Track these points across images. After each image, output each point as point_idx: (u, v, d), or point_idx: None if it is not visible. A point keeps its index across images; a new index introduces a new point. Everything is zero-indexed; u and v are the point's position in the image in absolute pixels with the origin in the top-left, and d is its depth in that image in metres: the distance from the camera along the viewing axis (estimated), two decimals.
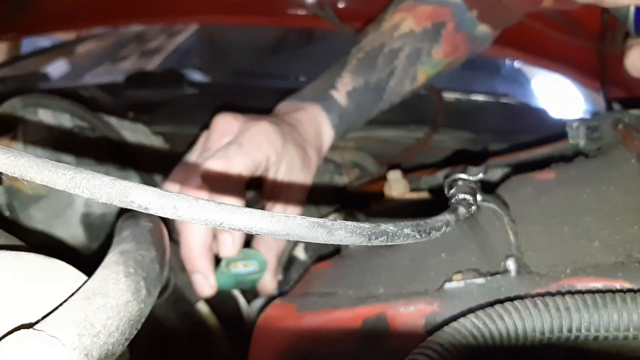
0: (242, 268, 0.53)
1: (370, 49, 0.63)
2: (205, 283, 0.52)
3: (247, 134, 0.52)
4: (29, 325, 0.25)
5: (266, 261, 0.54)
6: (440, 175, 0.55)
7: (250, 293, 0.61)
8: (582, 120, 0.48)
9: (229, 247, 0.52)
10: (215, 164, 0.49)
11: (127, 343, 0.27)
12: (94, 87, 0.83)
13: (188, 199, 0.24)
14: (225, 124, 0.54)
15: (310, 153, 0.57)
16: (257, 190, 0.59)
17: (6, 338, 0.24)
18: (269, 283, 0.56)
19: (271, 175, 0.54)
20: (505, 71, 1.34)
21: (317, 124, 0.59)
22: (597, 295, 0.31)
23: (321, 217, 0.27)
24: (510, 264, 0.37)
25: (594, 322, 0.30)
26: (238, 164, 0.49)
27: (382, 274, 0.43)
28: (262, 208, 0.25)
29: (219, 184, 0.49)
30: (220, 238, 0.52)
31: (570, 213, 0.39)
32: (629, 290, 0.32)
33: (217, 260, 0.53)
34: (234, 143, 0.51)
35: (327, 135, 0.60)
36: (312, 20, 0.94)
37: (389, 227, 0.29)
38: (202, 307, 0.60)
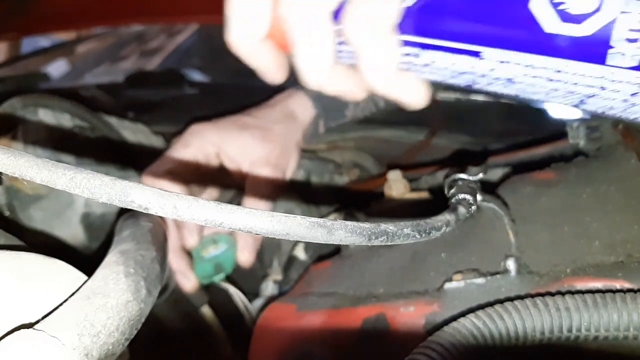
0: (214, 251, 0.58)
1: None
2: (185, 279, 0.56)
3: (189, 131, 0.59)
4: (29, 325, 0.25)
5: (233, 238, 0.58)
6: (440, 175, 0.55)
7: (250, 293, 0.61)
8: (582, 120, 0.48)
9: (190, 236, 0.57)
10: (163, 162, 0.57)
11: (127, 343, 0.27)
12: (94, 87, 0.83)
13: (188, 199, 0.24)
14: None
15: (275, 131, 0.59)
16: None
17: (6, 338, 0.24)
18: (245, 257, 0.58)
19: (227, 163, 0.59)
20: None
21: (288, 106, 0.61)
22: (597, 295, 0.31)
23: (321, 217, 0.27)
24: (510, 264, 0.37)
25: (594, 322, 0.30)
26: (183, 153, 0.56)
27: (382, 274, 0.43)
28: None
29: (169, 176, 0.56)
30: (182, 233, 0.57)
31: (570, 213, 0.39)
32: (629, 290, 0.32)
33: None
34: (179, 140, 0.59)
35: (304, 113, 0.61)
36: None
37: (389, 227, 0.29)
38: (203, 308, 0.60)
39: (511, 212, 0.41)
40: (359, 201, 0.61)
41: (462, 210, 0.36)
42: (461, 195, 0.38)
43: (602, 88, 0.28)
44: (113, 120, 0.65)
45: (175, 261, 0.56)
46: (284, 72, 0.39)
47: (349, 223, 0.27)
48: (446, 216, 0.34)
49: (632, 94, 0.28)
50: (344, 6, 0.32)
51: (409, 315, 0.37)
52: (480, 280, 0.37)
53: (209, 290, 0.60)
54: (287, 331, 0.43)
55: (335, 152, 0.74)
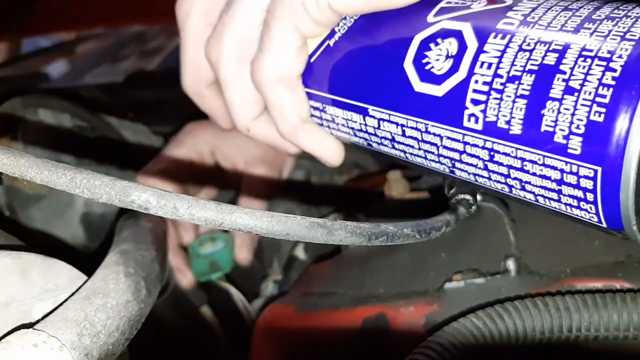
0: (210, 248, 0.58)
1: None
2: (181, 275, 0.57)
3: (184, 130, 0.61)
4: (29, 325, 0.25)
5: (231, 236, 0.58)
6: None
7: (250, 293, 0.61)
8: None
9: (186, 233, 0.58)
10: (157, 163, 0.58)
11: (127, 343, 0.27)
12: (94, 87, 0.83)
13: (188, 199, 0.24)
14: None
15: None
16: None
17: (6, 338, 0.24)
18: (242, 255, 0.58)
19: (222, 162, 0.60)
20: None
21: None
22: (597, 295, 0.31)
23: (321, 217, 0.27)
24: (510, 264, 0.37)
25: (594, 322, 0.30)
26: (177, 153, 0.58)
27: (382, 274, 0.43)
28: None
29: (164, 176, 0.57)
30: (178, 230, 0.58)
31: None
32: (629, 290, 0.32)
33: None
34: (174, 139, 0.60)
35: None
36: None
37: (389, 227, 0.29)
38: (203, 308, 0.60)
39: (511, 212, 0.41)
40: (359, 201, 0.61)
41: (462, 210, 0.36)
42: (461, 195, 0.38)
43: (462, 152, 0.28)
44: (113, 120, 0.65)
45: (172, 258, 0.57)
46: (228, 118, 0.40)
47: (349, 223, 0.27)
48: (446, 216, 0.34)
49: (489, 160, 0.27)
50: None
51: (409, 315, 0.37)
52: (480, 280, 0.37)
53: (209, 290, 0.60)
54: (287, 331, 0.43)
55: None
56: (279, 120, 0.35)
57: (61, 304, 0.27)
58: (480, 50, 0.26)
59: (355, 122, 0.32)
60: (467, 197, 0.37)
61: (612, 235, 0.27)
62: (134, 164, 0.63)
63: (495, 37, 0.26)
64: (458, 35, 0.27)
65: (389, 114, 0.30)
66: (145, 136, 0.69)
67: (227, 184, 0.62)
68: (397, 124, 0.30)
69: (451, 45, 0.27)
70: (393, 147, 0.31)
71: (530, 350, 0.32)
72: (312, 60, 0.33)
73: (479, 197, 0.39)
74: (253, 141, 0.59)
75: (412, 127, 0.29)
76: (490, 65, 0.26)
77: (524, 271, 0.37)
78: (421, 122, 0.29)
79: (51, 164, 0.24)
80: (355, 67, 0.31)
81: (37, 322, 0.25)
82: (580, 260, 0.36)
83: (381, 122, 0.30)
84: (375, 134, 0.32)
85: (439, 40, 0.28)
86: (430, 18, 0.29)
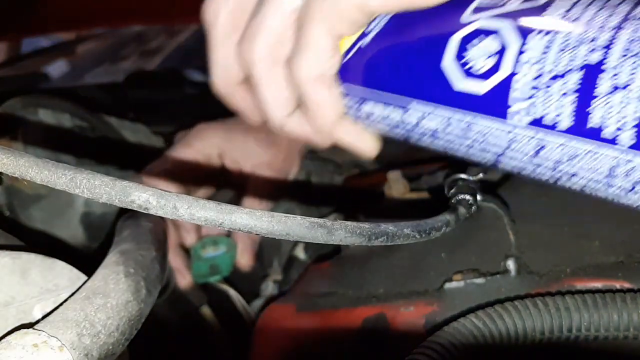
0: (212, 252, 0.59)
1: None
2: (180, 276, 0.58)
3: (193, 131, 0.61)
4: (29, 325, 0.25)
5: (234, 241, 0.59)
6: (440, 175, 0.55)
7: (250, 293, 0.61)
8: None
9: (188, 235, 0.59)
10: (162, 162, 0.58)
11: (127, 343, 0.27)
12: (94, 87, 0.83)
13: (188, 199, 0.24)
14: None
15: (280, 136, 0.58)
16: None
17: (6, 338, 0.24)
18: (244, 260, 0.59)
19: (229, 165, 0.60)
20: None
21: None
22: (597, 295, 0.31)
23: (321, 217, 0.27)
24: (510, 264, 0.37)
25: (594, 322, 0.30)
26: (184, 154, 0.58)
27: (382, 274, 0.43)
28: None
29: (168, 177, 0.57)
30: (179, 231, 0.58)
31: (570, 213, 0.39)
32: (629, 290, 0.32)
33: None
34: (182, 139, 0.60)
35: None
36: None
37: (389, 227, 0.29)
38: (203, 308, 0.60)
39: (511, 212, 0.41)
40: (359, 201, 0.61)
41: (462, 210, 0.36)
42: (461, 195, 0.38)
43: (507, 147, 0.29)
44: (113, 120, 0.65)
45: (172, 258, 0.57)
46: (259, 115, 0.41)
47: (349, 223, 0.27)
48: (446, 216, 0.34)
49: (534, 154, 0.28)
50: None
51: (409, 315, 0.37)
52: (480, 280, 0.37)
53: (208, 291, 0.60)
54: (287, 331, 0.43)
55: (335, 152, 0.74)
56: (316, 117, 0.36)
57: (61, 304, 0.27)
58: (521, 49, 0.27)
59: (393, 117, 0.33)
60: (467, 197, 0.37)
61: None
62: (134, 164, 0.63)
63: (536, 35, 0.27)
64: (497, 33, 0.28)
65: (431, 110, 0.31)
66: (145, 136, 0.69)
67: (231, 186, 0.62)
68: (439, 119, 0.31)
69: (491, 43, 0.28)
70: (434, 140, 0.32)
71: (530, 350, 0.32)
72: (346, 59, 0.33)
73: (479, 197, 0.39)
74: (261, 146, 0.59)
75: (456, 122, 0.30)
76: (533, 63, 0.27)
77: (524, 271, 0.37)
78: (465, 118, 0.30)
79: (51, 164, 0.24)
80: (393, 65, 0.32)
81: (37, 322, 0.25)
82: (580, 260, 0.36)
83: (422, 117, 0.31)
84: (414, 129, 0.32)
85: (478, 38, 0.28)
86: (466, 17, 0.29)
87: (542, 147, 0.27)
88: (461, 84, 0.29)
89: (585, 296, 0.31)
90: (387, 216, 0.54)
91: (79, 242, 0.56)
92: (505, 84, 0.27)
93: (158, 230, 0.36)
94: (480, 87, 0.28)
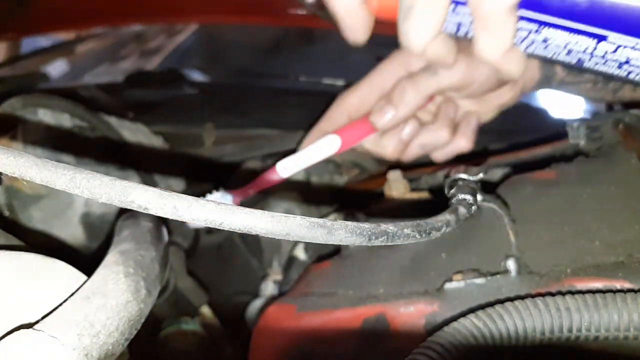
0: None
1: None
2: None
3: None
4: (29, 325, 0.25)
5: None
6: (440, 175, 0.55)
7: (250, 293, 0.61)
8: (582, 120, 0.48)
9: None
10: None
11: (127, 343, 0.27)
12: (94, 87, 0.83)
13: (188, 199, 0.24)
14: None
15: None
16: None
17: (6, 338, 0.24)
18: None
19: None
20: None
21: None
22: (597, 296, 0.31)
23: (321, 217, 0.27)
24: (511, 264, 0.37)
25: (594, 322, 0.30)
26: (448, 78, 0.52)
27: (382, 274, 0.43)
28: (262, 208, 0.25)
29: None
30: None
31: (570, 213, 0.39)
32: (630, 290, 0.32)
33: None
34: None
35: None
36: (312, 20, 0.94)
37: (389, 227, 0.29)
38: (203, 308, 0.60)
39: (511, 212, 0.41)
40: (359, 201, 0.61)
41: (462, 210, 0.36)
42: (461, 196, 0.38)
43: None
44: (113, 120, 0.65)
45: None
46: (367, 35, 0.42)
47: (349, 223, 0.27)
48: (446, 216, 0.34)
49: None
50: None
51: (409, 315, 0.37)
52: (481, 280, 0.37)
53: (209, 291, 0.60)
54: (287, 331, 0.43)
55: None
56: (492, 45, 0.37)
57: (61, 304, 0.27)
58: None
59: (581, 45, 0.35)
60: (467, 197, 0.37)
61: None
62: (134, 164, 0.63)
63: None
64: None
65: (636, 43, 0.33)
66: (145, 136, 0.69)
67: None
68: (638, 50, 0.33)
69: None
70: (619, 68, 0.35)
71: (530, 351, 0.32)
72: None
73: (479, 197, 0.39)
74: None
75: None
76: None
77: (524, 271, 0.36)
78: None
79: (51, 164, 0.24)
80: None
81: (37, 322, 0.25)
82: (580, 260, 0.36)
83: (620, 48, 0.34)
84: (602, 57, 0.35)
85: None
86: None
87: None
88: None
89: (586, 296, 0.31)
90: (387, 216, 0.54)
91: (78, 242, 0.56)
92: None
93: (158, 230, 0.36)
94: None
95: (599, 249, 0.36)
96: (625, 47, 0.34)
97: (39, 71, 0.98)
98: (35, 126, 0.55)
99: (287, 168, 0.51)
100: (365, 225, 0.28)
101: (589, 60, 0.36)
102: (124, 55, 1.07)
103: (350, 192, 0.70)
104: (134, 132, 0.68)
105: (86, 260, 0.31)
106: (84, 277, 0.30)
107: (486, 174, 0.40)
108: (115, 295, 0.27)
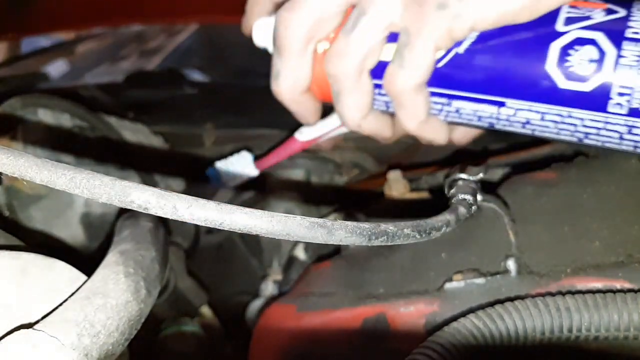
0: None
1: None
2: None
3: None
4: (29, 325, 0.25)
5: None
6: (440, 175, 0.55)
7: (250, 293, 0.61)
8: None
9: None
10: None
11: (127, 343, 0.27)
12: (94, 87, 0.83)
13: (188, 199, 0.24)
14: None
15: None
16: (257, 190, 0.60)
17: (6, 338, 0.24)
18: None
19: None
20: None
21: None
22: (597, 296, 0.31)
23: (321, 217, 0.27)
24: (511, 264, 0.37)
25: (594, 322, 0.30)
26: None
27: (382, 274, 0.43)
28: (262, 208, 0.25)
29: None
30: None
31: (570, 213, 0.39)
32: (630, 290, 0.32)
33: None
34: None
35: None
36: None
37: (389, 227, 0.29)
38: (203, 308, 0.60)
39: (511, 212, 0.41)
40: (359, 201, 0.61)
41: (462, 210, 0.36)
42: (461, 196, 0.37)
43: (601, 129, 0.35)
44: (113, 120, 0.65)
45: None
46: (317, 117, 0.46)
47: (349, 223, 0.27)
48: (446, 216, 0.34)
49: (626, 132, 0.35)
50: (386, 66, 0.38)
51: (409, 315, 0.37)
52: (481, 280, 0.37)
53: (209, 291, 0.60)
54: (287, 331, 0.43)
55: (335, 152, 0.74)
56: (408, 118, 0.40)
57: (61, 304, 0.27)
58: (619, 55, 0.33)
59: (486, 112, 0.38)
60: (467, 197, 0.37)
61: None
62: (134, 164, 0.63)
63: (628, 43, 0.33)
64: (594, 43, 0.34)
65: (530, 105, 0.36)
66: (145, 136, 0.69)
67: None
68: (537, 112, 0.36)
69: (590, 51, 0.34)
70: (523, 128, 0.38)
71: (530, 351, 0.32)
72: (439, 65, 0.38)
73: (479, 197, 0.39)
74: None
75: (553, 114, 0.36)
76: (631, 66, 0.33)
77: (524, 271, 0.36)
78: (564, 110, 0.36)
79: (51, 164, 0.24)
80: (491, 69, 0.36)
81: (37, 322, 0.25)
82: (580, 260, 0.36)
83: (519, 111, 0.37)
84: (507, 120, 0.38)
85: (577, 47, 0.34)
86: (560, 27, 0.35)
87: (633, 128, 0.34)
88: (565, 84, 0.35)
89: (586, 296, 0.31)
90: (387, 216, 0.54)
91: (78, 242, 0.56)
92: (607, 83, 0.34)
93: (158, 230, 0.36)
94: (584, 87, 0.34)
95: (599, 249, 0.36)
96: (522, 109, 0.37)
97: (39, 71, 0.98)
98: (35, 126, 0.55)
99: (304, 134, 0.51)
100: (365, 225, 0.28)
101: (498, 123, 0.39)
102: (124, 55, 1.07)
103: (350, 192, 0.70)
104: (134, 132, 0.68)
105: (86, 260, 0.31)
106: (84, 277, 0.30)
107: (486, 174, 0.40)
108: (115, 295, 0.27)
